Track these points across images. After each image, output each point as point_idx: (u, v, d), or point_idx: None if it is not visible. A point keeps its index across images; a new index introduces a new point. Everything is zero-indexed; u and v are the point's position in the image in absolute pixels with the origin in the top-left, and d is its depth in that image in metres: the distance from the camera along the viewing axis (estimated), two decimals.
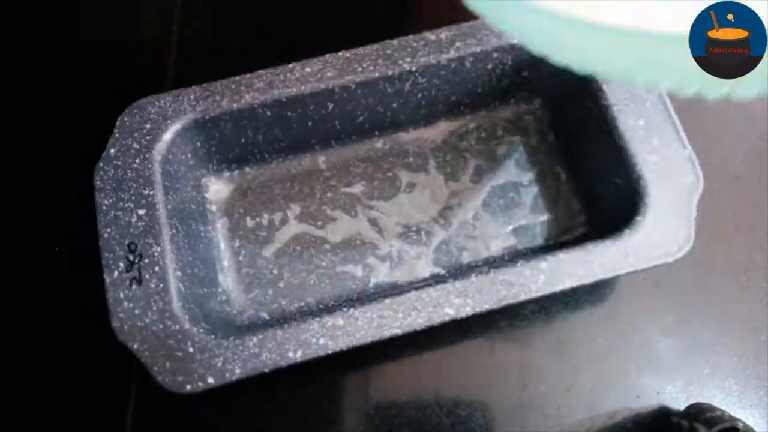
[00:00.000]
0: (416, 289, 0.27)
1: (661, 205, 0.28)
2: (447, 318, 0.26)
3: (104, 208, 0.28)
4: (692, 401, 0.30)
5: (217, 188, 0.34)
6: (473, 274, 0.27)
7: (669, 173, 0.29)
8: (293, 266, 0.32)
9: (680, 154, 0.29)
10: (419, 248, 0.33)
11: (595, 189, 0.33)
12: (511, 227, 0.33)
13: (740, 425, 0.26)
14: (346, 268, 0.32)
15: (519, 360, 0.31)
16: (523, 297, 0.26)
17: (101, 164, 0.29)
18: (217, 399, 0.25)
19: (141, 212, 0.28)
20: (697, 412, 0.29)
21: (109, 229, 0.28)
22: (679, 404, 0.31)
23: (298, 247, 0.33)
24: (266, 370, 0.25)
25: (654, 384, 0.31)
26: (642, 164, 0.29)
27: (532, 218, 0.33)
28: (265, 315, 0.31)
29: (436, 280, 0.28)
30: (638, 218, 0.28)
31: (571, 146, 0.34)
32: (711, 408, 0.29)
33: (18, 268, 0.34)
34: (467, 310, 0.26)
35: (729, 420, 0.27)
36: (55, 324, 0.32)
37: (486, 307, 0.26)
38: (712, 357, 0.32)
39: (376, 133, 0.35)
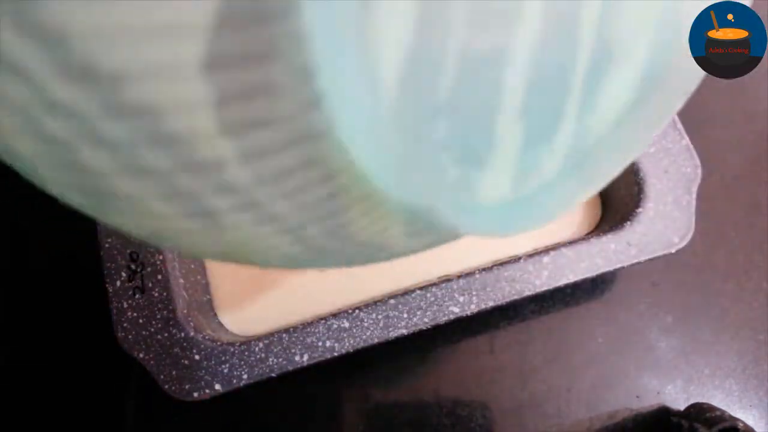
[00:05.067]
0: (420, 288, 0.27)
1: (662, 195, 0.28)
2: (452, 316, 0.26)
3: None
4: (692, 401, 0.30)
5: None
6: (476, 272, 0.27)
7: (668, 164, 0.29)
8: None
9: (678, 145, 0.29)
10: None
11: None
12: None
13: (740, 425, 0.26)
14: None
15: (519, 360, 0.31)
16: (527, 293, 0.26)
17: None
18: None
19: None
20: (697, 412, 0.29)
21: (110, 239, 0.28)
22: (679, 404, 0.31)
23: None
24: (274, 375, 0.25)
25: (654, 384, 0.31)
26: (640, 156, 0.29)
27: None
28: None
29: (439, 278, 0.28)
30: (639, 210, 0.28)
31: None
32: (711, 408, 0.29)
33: (18, 282, 0.34)
34: (472, 308, 0.26)
35: (729, 420, 0.27)
36: (57, 333, 0.32)
37: (491, 303, 0.26)
38: (712, 357, 0.31)
39: None
